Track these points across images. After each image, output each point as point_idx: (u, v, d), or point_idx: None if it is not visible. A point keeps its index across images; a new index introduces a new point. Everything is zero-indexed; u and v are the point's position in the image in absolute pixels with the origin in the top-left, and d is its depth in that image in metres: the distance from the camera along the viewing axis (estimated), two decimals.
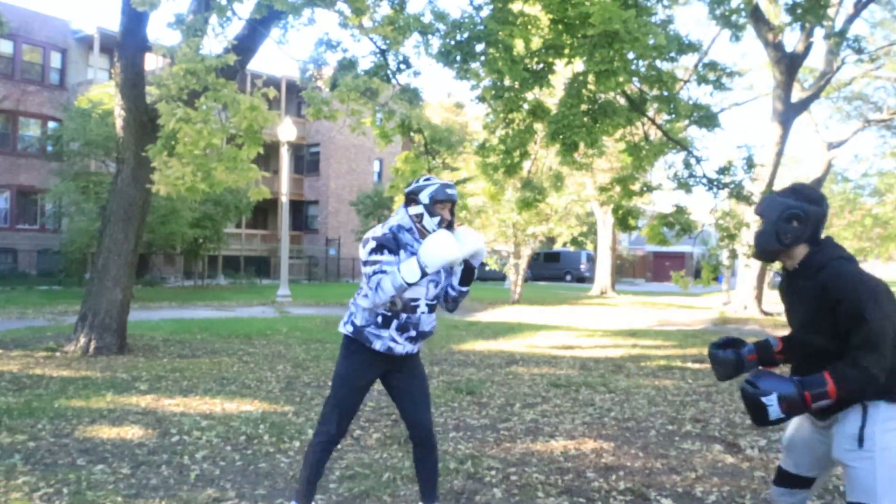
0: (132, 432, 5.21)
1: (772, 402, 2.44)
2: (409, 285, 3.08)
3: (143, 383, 7.14)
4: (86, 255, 21.13)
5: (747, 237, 12.61)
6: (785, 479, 2.77)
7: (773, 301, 21.92)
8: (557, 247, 38.28)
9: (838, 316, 2.43)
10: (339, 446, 4.93)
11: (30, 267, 25.53)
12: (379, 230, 3.22)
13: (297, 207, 35.29)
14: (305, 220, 36.79)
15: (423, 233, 3.26)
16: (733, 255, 11.24)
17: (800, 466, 2.73)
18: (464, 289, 3.36)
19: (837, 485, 4.31)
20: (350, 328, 3.30)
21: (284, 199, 22.38)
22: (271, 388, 7.12)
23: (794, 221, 2.52)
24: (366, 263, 3.15)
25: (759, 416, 2.48)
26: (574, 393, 7.20)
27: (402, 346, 3.27)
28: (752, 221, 12.48)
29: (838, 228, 34.23)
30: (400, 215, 3.31)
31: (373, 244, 3.16)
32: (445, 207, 3.26)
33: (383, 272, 3.10)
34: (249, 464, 4.53)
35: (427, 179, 3.28)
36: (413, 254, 3.19)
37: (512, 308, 20.57)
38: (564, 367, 9.12)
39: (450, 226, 3.28)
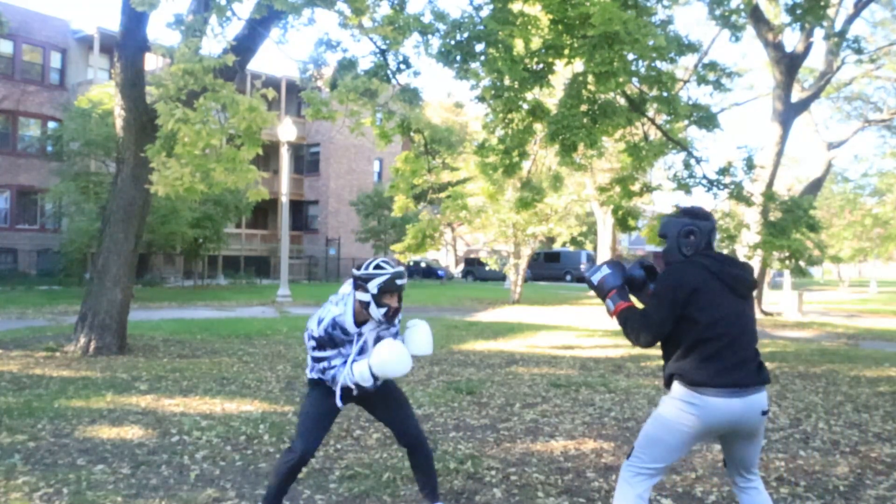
0: (132, 432, 5.21)
1: (595, 272, 3.05)
2: (358, 385, 3.21)
3: (143, 383, 7.14)
4: (86, 255, 21.12)
5: (747, 238, 12.61)
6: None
7: (773, 301, 21.94)
8: (557, 247, 38.26)
9: None
10: (339, 446, 4.95)
11: (30, 267, 25.54)
12: (316, 327, 3.25)
13: (297, 207, 35.31)
14: (305, 220, 36.80)
15: (367, 317, 3.25)
16: (733, 255, 11.24)
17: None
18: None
19: (837, 485, 4.32)
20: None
21: (284, 199, 22.40)
22: (271, 388, 7.12)
23: (690, 236, 2.97)
24: (315, 360, 3.29)
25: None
26: (574, 393, 7.20)
27: (375, 386, 3.35)
28: (753, 222, 12.50)
29: (838, 228, 34.20)
30: (341, 295, 3.30)
31: (313, 343, 3.27)
32: (394, 296, 3.20)
33: (332, 367, 3.25)
34: (249, 464, 4.53)
35: (377, 267, 3.18)
36: (346, 355, 3.28)
37: (512, 308, 20.56)
38: (564, 367, 9.13)
39: (396, 312, 3.24)
